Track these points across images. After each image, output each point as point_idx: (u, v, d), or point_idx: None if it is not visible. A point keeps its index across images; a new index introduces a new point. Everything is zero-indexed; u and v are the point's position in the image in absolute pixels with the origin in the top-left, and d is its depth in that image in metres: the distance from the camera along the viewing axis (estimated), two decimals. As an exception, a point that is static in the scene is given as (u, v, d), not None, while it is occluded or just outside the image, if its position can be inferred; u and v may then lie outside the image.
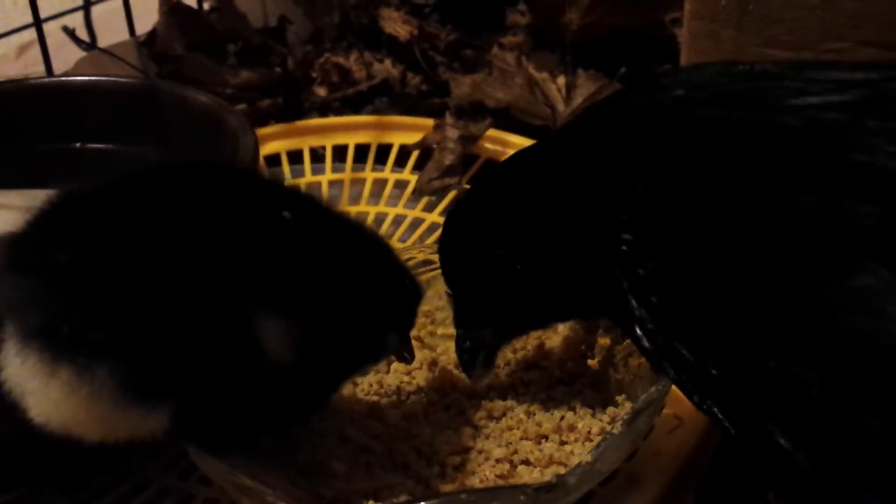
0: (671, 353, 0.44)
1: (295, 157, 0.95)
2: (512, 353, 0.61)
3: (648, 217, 0.45)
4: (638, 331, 0.45)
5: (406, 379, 0.61)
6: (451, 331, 0.64)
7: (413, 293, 0.55)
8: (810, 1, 0.66)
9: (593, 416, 0.54)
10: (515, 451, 0.52)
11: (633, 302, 0.45)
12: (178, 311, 0.43)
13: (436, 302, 0.64)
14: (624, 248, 0.45)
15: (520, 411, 0.56)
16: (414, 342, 0.63)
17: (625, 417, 0.48)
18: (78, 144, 0.76)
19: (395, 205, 0.89)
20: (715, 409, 0.44)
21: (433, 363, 0.62)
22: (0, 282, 0.43)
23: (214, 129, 0.69)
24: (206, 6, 1.08)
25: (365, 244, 0.52)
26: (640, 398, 0.49)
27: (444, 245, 0.56)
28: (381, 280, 0.52)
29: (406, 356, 0.56)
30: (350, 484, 0.50)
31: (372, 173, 0.93)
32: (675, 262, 0.44)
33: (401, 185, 0.92)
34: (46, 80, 0.85)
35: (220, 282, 0.44)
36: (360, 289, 0.50)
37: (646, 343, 0.45)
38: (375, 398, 0.60)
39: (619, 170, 0.47)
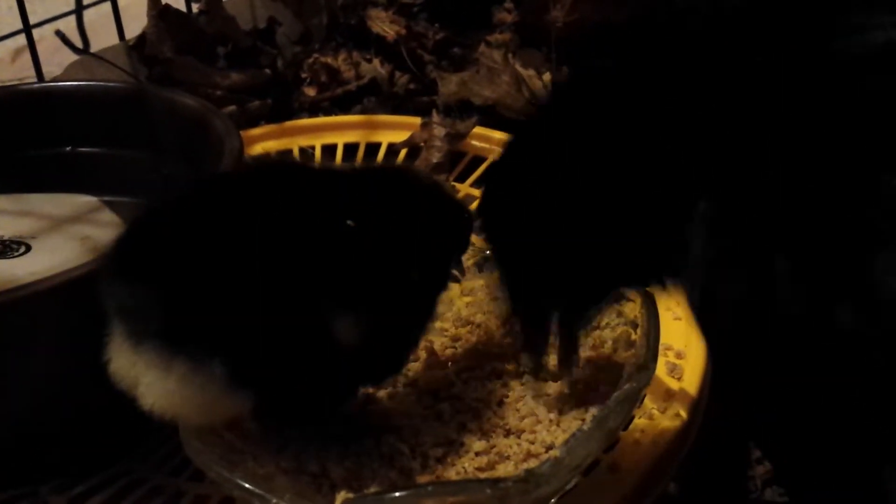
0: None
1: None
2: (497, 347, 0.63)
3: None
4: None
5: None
6: (447, 324, 0.65)
7: (466, 220, 0.59)
8: None
9: (576, 412, 0.55)
10: (494, 446, 0.53)
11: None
12: (266, 311, 0.49)
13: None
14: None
15: (503, 407, 0.57)
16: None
17: (596, 414, 0.49)
18: (68, 149, 0.77)
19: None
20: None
21: (431, 353, 0.63)
22: (113, 289, 0.50)
23: (201, 131, 0.70)
24: (195, 9, 1.09)
25: (419, 192, 0.57)
26: (613, 395, 0.50)
27: (486, 207, 0.55)
28: (439, 220, 0.56)
29: (457, 275, 0.61)
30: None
31: (361, 172, 0.94)
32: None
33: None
34: (36, 85, 0.86)
35: (296, 285, 0.50)
36: (423, 241, 0.55)
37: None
38: (372, 389, 0.61)
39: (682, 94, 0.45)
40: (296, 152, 0.96)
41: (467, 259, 0.62)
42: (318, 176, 0.57)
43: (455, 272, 0.61)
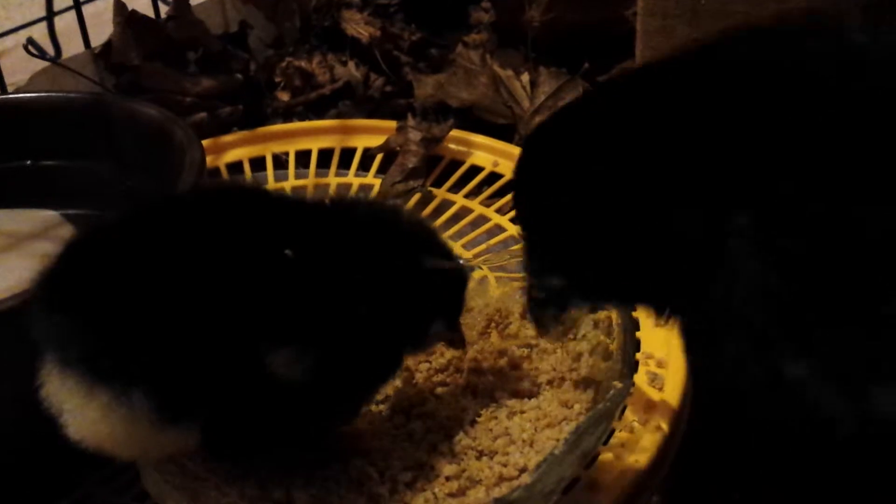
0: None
1: (258, 164, 0.94)
2: (471, 361, 0.61)
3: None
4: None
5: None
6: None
7: (458, 277, 0.55)
8: (762, -7, 0.65)
9: (551, 430, 0.53)
10: (465, 469, 0.51)
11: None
12: (193, 342, 0.47)
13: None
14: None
15: (476, 426, 0.55)
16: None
17: (568, 437, 0.47)
18: (28, 162, 0.75)
19: (358, 210, 0.88)
20: None
21: (407, 370, 0.61)
22: (40, 320, 0.48)
23: (162, 143, 0.68)
24: (163, 14, 1.07)
25: (402, 235, 0.54)
26: (586, 416, 0.48)
27: (520, 172, 0.51)
28: (420, 270, 0.53)
29: (457, 342, 0.58)
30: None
31: (335, 178, 0.92)
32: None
33: (365, 188, 0.90)
34: (-6, 97, 0.84)
35: (227, 317, 0.48)
36: (394, 284, 0.52)
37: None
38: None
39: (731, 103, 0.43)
40: (269, 159, 0.94)
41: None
42: (270, 203, 0.54)
43: (453, 337, 0.57)
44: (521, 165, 0.51)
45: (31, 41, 1.15)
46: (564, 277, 0.50)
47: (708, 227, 0.43)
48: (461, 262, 0.57)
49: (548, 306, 0.51)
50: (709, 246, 0.43)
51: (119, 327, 0.47)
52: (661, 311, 0.48)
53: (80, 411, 0.47)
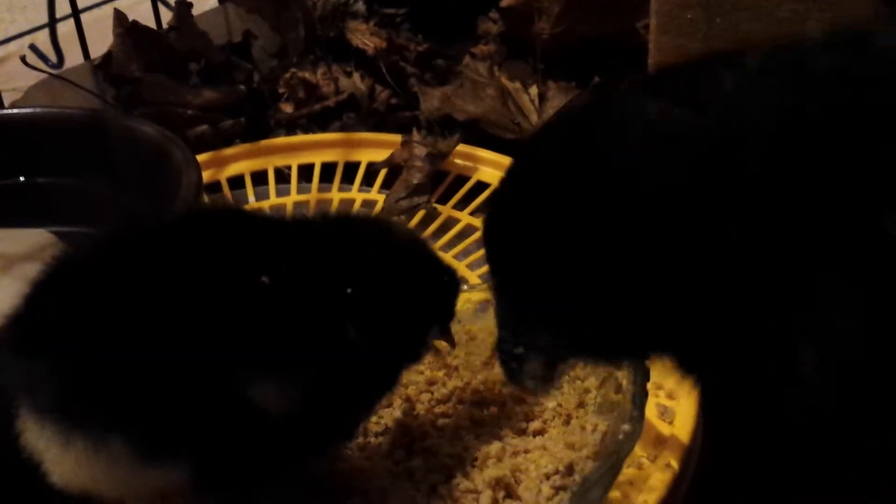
0: None
1: (260, 177, 0.92)
2: (475, 393, 0.59)
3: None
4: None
5: (374, 419, 0.59)
6: (423, 366, 0.61)
7: (451, 284, 0.54)
8: (779, 13, 0.63)
9: (550, 474, 0.50)
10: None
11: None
12: (170, 380, 0.45)
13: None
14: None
15: (478, 468, 0.52)
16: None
17: (574, 489, 0.45)
18: (22, 179, 0.73)
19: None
20: None
21: (406, 399, 0.59)
22: (9, 365, 0.46)
23: (160, 162, 0.66)
24: (164, 24, 1.05)
25: (394, 248, 0.52)
26: (594, 465, 0.46)
27: (494, 211, 0.47)
28: (415, 281, 0.52)
29: (449, 342, 0.56)
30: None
31: (339, 193, 0.90)
32: None
33: (368, 204, 0.89)
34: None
35: (207, 352, 0.46)
36: (392, 299, 0.50)
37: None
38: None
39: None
40: (271, 173, 0.92)
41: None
42: (255, 227, 0.52)
43: (444, 341, 0.56)
44: (496, 194, 0.46)
45: (32, 48, 1.14)
46: (554, 333, 0.45)
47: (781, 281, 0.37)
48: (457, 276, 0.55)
49: (526, 364, 0.47)
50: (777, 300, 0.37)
51: (91, 370, 0.45)
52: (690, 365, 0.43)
53: (60, 459, 0.45)
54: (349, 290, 0.48)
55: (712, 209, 0.38)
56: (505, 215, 0.46)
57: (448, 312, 0.55)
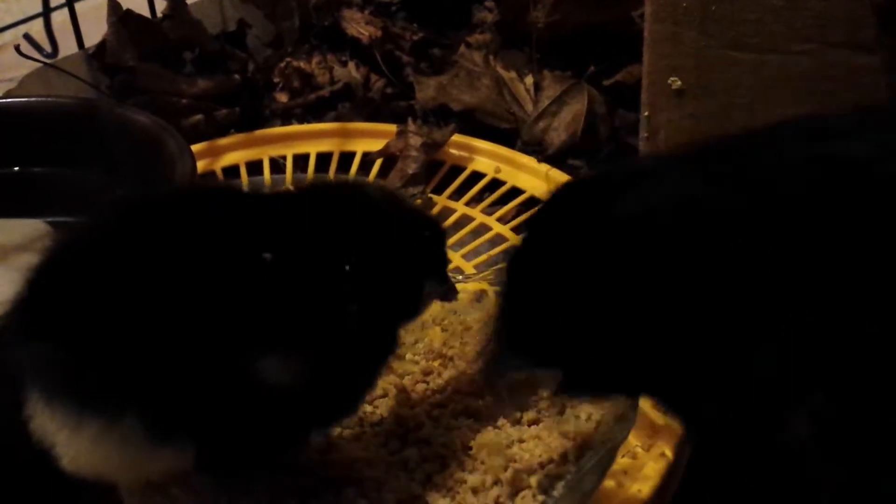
0: None
1: (255, 167, 0.92)
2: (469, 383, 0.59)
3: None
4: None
5: (369, 409, 0.59)
6: (418, 356, 0.61)
7: (435, 233, 0.55)
8: (774, 1, 0.62)
9: (545, 463, 0.50)
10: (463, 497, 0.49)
11: None
12: (179, 358, 0.45)
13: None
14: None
15: (472, 457, 0.52)
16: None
17: (568, 477, 0.45)
18: (17, 168, 0.73)
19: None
20: None
21: (401, 390, 0.59)
22: (18, 350, 0.46)
23: (154, 151, 0.66)
24: (159, 13, 1.04)
25: (365, 211, 0.52)
26: (587, 456, 0.46)
27: (513, 260, 0.47)
28: (393, 240, 0.52)
29: (450, 293, 0.56)
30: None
31: (334, 184, 0.90)
32: None
33: (364, 194, 0.88)
34: (-20, 102, 0.82)
35: (211, 329, 0.46)
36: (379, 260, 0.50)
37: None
38: (337, 429, 0.57)
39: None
40: (266, 163, 0.92)
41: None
42: (243, 204, 0.52)
43: (444, 290, 0.56)
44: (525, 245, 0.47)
45: (27, 37, 1.13)
46: (549, 366, 0.46)
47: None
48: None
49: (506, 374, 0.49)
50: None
51: (101, 350, 0.45)
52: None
53: (72, 442, 0.45)
54: (346, 261, 0.49)
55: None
56: (524, 273, 0.46)
57: (439, 262, 0.55)
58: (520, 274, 0.47)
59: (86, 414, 0.45)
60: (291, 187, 0.54)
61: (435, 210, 0.86)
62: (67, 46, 1.06)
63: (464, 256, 0.78)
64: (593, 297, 0.42)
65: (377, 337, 0.51)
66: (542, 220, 0.47)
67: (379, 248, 0.51)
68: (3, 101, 0.79)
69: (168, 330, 0.45)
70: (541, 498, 0.47)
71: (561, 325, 0.43)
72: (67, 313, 0.46)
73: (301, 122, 1.00)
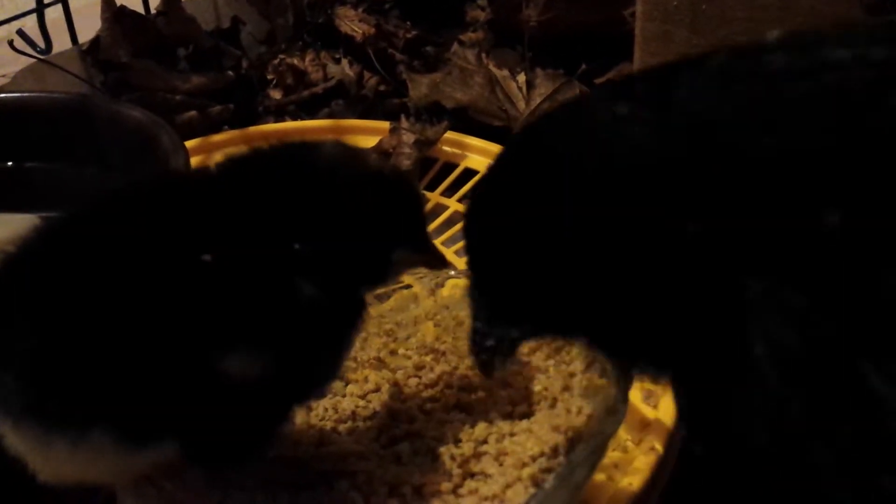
0: None
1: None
2: (462, 378, 0.59)
3: None
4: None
5: (362, 403, 0.59)
6: (411, 351, 0.61)
7: (406, 195, 0.51)
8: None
9: (536, 457, 0.51)
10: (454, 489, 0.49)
11: None
12: (143, 364, 0.44)
13: (395, 316, 0.62)
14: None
15: (464, 450, 0.53)
16: (372, 363, 0.61)
17: (559, 470, 0.45)
18: (10, 163, 0.73)
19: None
20: None
21: (394, 384, 0.59)
22: None
23: (147, 146, 0.66)
24: (153, 10, 1.05)
25: (329, 173, 0.48)
26: (578, 447, 0.46)
27: (473, 209, 0.46)
28: (356, 200, 0.48)
29: (434, 262, 0.54)
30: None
31: (327, 180, 0.90)
32: None
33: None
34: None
35: (169, 332, 0.44)
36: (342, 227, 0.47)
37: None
38: (330, 424, 0.57)
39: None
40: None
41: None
42: (187, 193, 0.49)
43: (427, 259, 0.53)
44: (477, 200, 0.46)
45: (20, 33, 1.13)
46: (524, 331, 0.46)
47: (719, 288, 0.37)
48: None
49: (498, 353, 0.48)
50: (719, 304, 0.37)
51: (57, 369, 0.43)
52: (640, 366, 0.44)
53: (45, 459, 0.45)
54: (294, 237, 0.46)
55: (666, 210, 0.38)
56: (485, 212, 0.46)
57: (414, 227, 0.51)
58: (482, 226, 0.46)
59: (53, 434, 0.44)
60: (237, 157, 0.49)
61: (427, 207, 0.86)
62: (61, 42, 1.06)
63: (456, 253, 0.78)
64: (549, 229, 0.41)
65: (341, 308, 0.49)
66: (494, 175, 0.46)
67: (332, 215, 0.47)
68: (-4, 96, 0.79)
69: (124, 339, 0.43)
70: (532, 490, 0.47)
71: (525, 263, 0.43)
72: (21, 336, 0.44)
73: (294, 118, 1.00)
